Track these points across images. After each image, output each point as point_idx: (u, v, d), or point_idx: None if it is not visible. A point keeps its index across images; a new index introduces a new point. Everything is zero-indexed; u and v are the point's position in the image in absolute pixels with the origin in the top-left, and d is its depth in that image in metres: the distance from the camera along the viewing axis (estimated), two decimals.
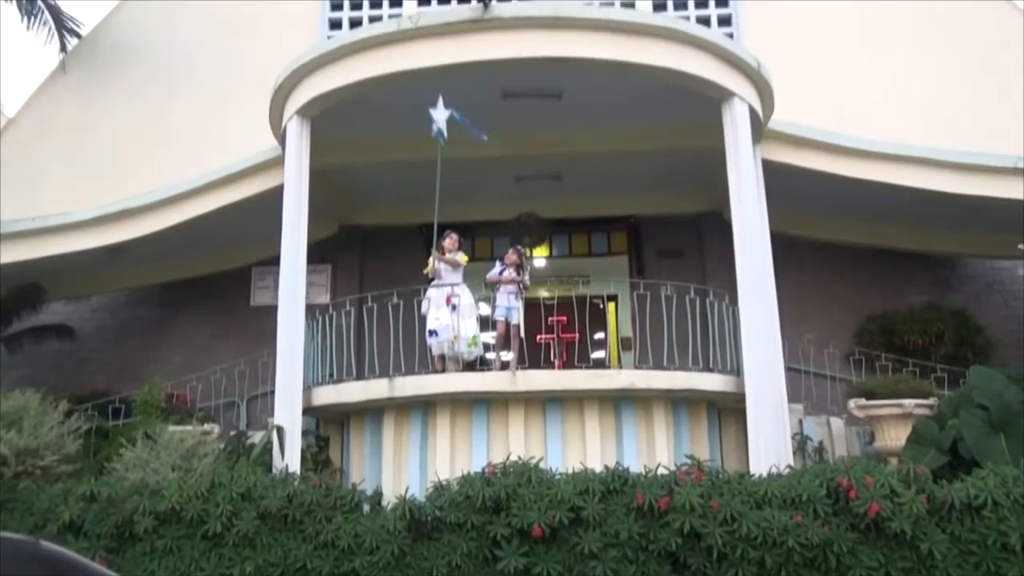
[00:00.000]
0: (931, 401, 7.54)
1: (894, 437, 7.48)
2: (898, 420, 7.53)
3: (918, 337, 9.45)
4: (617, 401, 7.29)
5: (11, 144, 11.46)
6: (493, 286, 7.85)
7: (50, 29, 11.59)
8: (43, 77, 11.90)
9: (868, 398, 7.75)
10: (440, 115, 6.94)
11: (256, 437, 7.70)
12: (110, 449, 7.18)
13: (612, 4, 11.09)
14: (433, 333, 7.55)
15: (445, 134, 6.97)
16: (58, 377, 10.03)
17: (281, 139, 8.20)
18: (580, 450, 7.06)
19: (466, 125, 6.98)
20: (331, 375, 7.98)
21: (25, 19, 11.55)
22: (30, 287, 9.85)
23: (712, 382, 7.51)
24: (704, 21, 10.97)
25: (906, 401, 7.51)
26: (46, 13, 11.54)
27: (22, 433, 6.68)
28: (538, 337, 7.80)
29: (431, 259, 7.72)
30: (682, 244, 10.55)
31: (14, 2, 11.49)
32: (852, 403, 7.84)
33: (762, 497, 5.35)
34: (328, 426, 8.42)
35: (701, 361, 7.71)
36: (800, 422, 8.27)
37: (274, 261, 7.96)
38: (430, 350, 7.73)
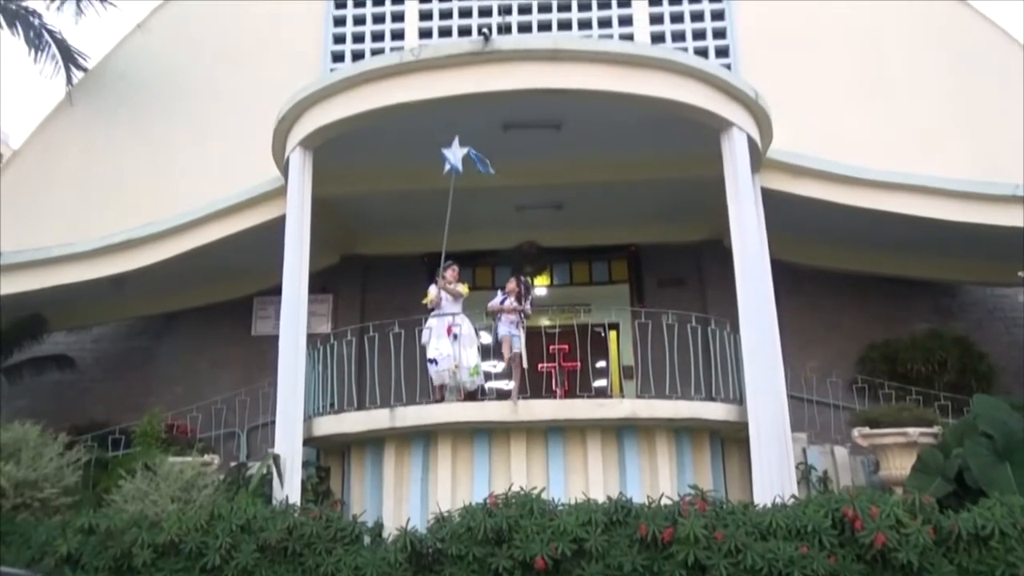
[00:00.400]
0: (935, 430, 7.50)
1: (899, 466, 7.43)
2: (902, 449, 7.48)
3: (921, 365, 9.42)
4: (619, 431, 7.26)
5: (16, 176, 11.57)
6: (494, 315, 7.85)
7: (56, 62, 11.77)
8: (48, 109, 12.07)
9: (872, 427, 7.70)
10: (455, 153, 7.00)
11: (256, 468, 7.65)
12: (109, 481, 7.12)
13: (611, 37, 11.29)
14: (433, 361, 7.53)
15: (460, 169, 7.02)
16: (58, 408, 10.00)
17: (284, 170, 8.27)
18: (582, 480, 7.01)
19: (478, 161, 7.04)
20: (332, 405, 7.95)
21: (32, 52, 11.75)
22: (31, 318, 9.87)
23: (715, 411, 7.48)
24: (702, 52, 11.11)
25: (910, 430, 7.47)
26: (53, 47, 11.74)
27: (21, 465, 6.64)
28: (540, 366, 7.79)
29: (431, 289, 7.73)
30: (683, 272, 10.56)
31: (22, 36, 11.69)
32: (856, 432, 7.80)
33: (767, 528, 5.30)
34: (329, 456, 8.36)
35: (703, 390, 7.69)
36: (804, 451, 8.22)
37: (276, 291, 7.98)
38: (431, 380, 7.71)
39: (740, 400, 7.55)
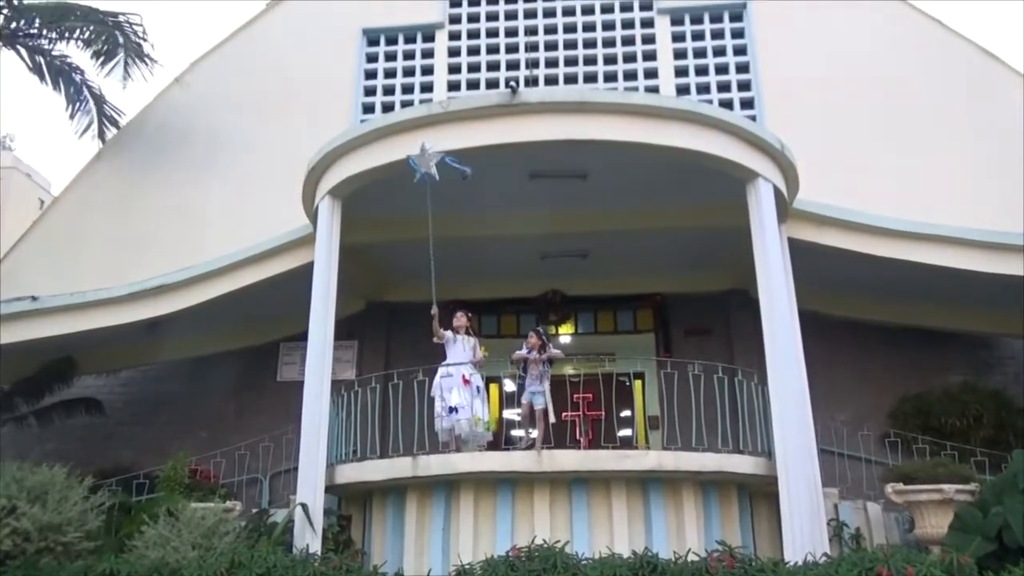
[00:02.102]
0: (972, 487, 7.26)
1: (935, 524, 7.18)
2: (938, 506, 7.24)
3: (955, 419, 9.19)
4: (645, 483, 7.13)
5: (55, 222, 11.92)
6: (519, 365, 7.81)
7: (92, 119, 12.10)
8: (88, 157, 12.46)
9: (906, 483, 7.47)
10: (425, 159, 6.80)
11: (278, 515, 7.62)
12: (132, 526, 7.13)
13: (636, 89, 11.45)
14: (454, 410, 7.47)
15: (437, 176, 6.83)
16: (84, 451, 10.08)
17: (313, 218, 8.41)
18: (607, 534, 6.87)
19: (456, 165, 6.82)
20: (355, 452, 7.92)
21: (70, 107, 12.08)
22: (62, 361, 10.04)
23: (743, 464, 7.32)
24: (727, 104, 11.24)
25: (946, 486, 7.23)
26: (91, 103, 12.08)
27: (47, 508, 6.67)
28: (564, 414, 7.71)
29: (447, 333, 7.65)
30: (709, 322, 10.49)
31: (63, 91, 12.07)
32: (889, 488, 7.57)
33: None
34: (350, 504, 8.30)
35: (731, 442, 7.55)
36: (835, 507, 8.00)
37: (302, 337, 8.04)
38: (439, 433, 7.54)
39: (769, 453, 7.39)
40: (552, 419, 7.54)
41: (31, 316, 9.38)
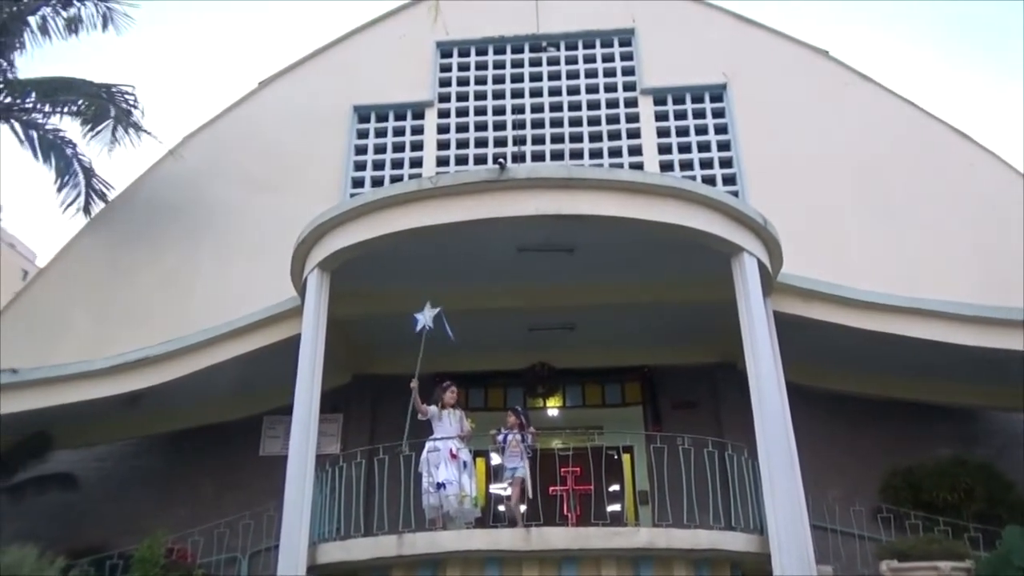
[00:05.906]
0: (967, 564, 7.15)
1: None
2: None
3: (947, 493, 9.09)
4: (636, 561, 6.96)
5: (39, 294, 11.82)
6: (501, 449, 7.77)
7: (79, 192, 12.09)
8: (76, 229, 12.43)
9: (900, 560, 7.36)
10: (426, 315, 7.45)
11: None
12: None
13: (621, 165, 11.73)
14: (441, 486, 7.35)
15: (432, 326, 7.46)
16: (57, 529, 9.71)
17: (301, 291, 8.41)
18: None
19: (446, 326, 7.43)
20: (338, 530, 7.70)
21: (59, 180, 12.06)
22: (37, 436, 9.77)
23: (735, 541, 7.18)
24: (710, 180, 11.50)
25: (941, 564, 7.12)
26: (80, 175, 12.07)
27: None
28: (552, 489, 7.58)
29: (431, 408, 7.72)
30: (697, 395, 10.42)
31: (53, 165, 12.08)
32: (884, 565, 7.44)
33: None
34: None
35: (722, 518, 7.43)
36: None
37: (286, 410, 7.93)
38: (426, 511, 7.44)
39: (761, 529, 7.27)
40: (529, 494, 7.43)
41: (11, 389, 9.17)
